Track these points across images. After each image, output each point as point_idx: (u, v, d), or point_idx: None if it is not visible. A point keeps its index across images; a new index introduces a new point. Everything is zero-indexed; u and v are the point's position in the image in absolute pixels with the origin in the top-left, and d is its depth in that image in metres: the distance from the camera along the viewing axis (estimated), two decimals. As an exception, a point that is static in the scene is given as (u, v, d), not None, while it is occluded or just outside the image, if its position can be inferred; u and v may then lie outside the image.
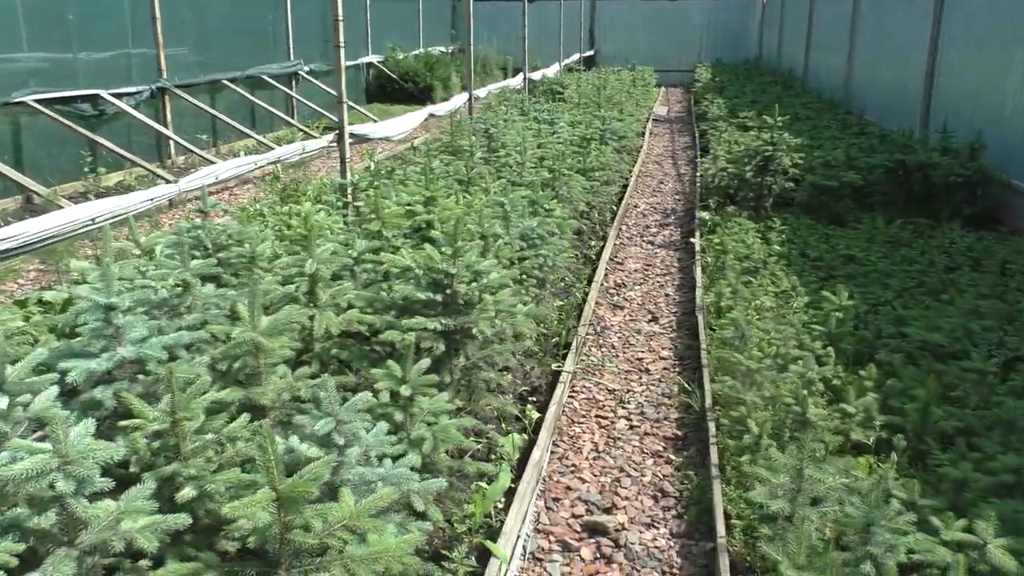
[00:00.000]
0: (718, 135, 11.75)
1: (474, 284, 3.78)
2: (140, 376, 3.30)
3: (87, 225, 4.29)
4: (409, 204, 5.56)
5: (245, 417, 2.97)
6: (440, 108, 10.86)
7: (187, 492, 2.61)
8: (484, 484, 3.55)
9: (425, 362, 3.27)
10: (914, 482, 3.28)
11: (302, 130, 13.73)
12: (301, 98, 15.08)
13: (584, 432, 4.62)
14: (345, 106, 7.69)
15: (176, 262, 3.88)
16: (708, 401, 4.56)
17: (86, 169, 9.81)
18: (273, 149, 10.44)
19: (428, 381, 3.24)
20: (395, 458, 2.98)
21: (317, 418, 2.74)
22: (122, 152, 9.71)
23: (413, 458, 3.00)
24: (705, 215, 8.53)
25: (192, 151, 10.94)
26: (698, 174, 11.22)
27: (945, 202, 8.01)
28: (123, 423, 2.88)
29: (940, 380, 4.28)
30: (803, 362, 4.65)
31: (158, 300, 3.62)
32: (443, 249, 3.72)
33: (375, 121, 15.21)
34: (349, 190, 7.41)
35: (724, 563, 3.17)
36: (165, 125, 11.53)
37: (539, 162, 8.22)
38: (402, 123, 9.17)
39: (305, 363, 3.69)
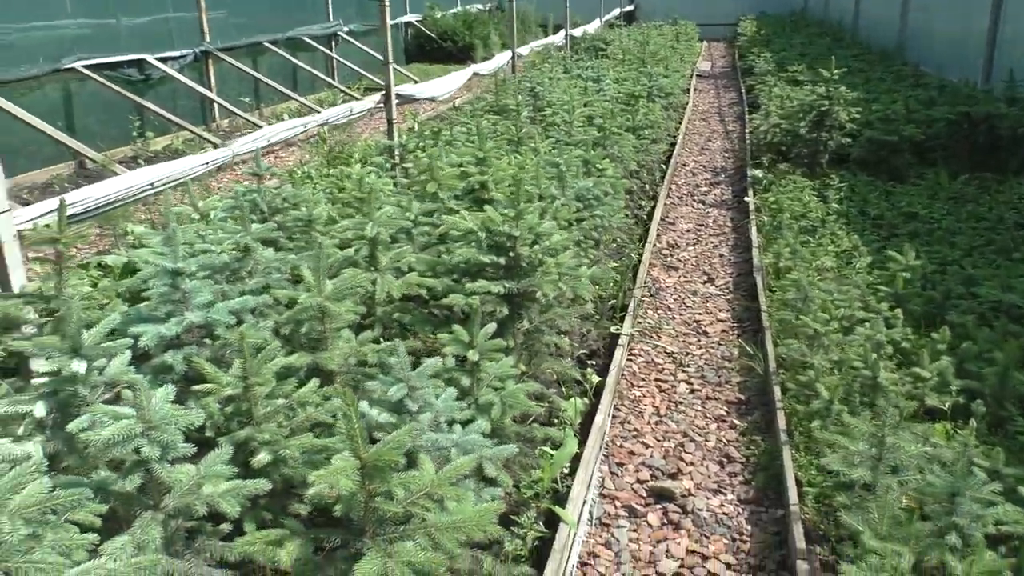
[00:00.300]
0: (767, 90, 11.41)
1: (536, 246, 3.71)
2: (206, 340, 3.31)
3: (146, 189, 4.29)
4: (460, 165, 5.48)
5: (314, 382, 2.96)
6: (484, 67, 10.68)
7: (262, 457, 2.61)
8: (548, 449, 3.51)
9: (491, 326, 3.22)
10: (998, 450, 3.17)
11: (343, 91, 13.65)
12: (341, 59, 14.98)
13: (645, 396, 4.55)
14: (392, 67, 7.60)
15: (236, 226, 3.87)
16: (772, 365, 4.46)
17: (134, 134, 9.89)
18: (319, 111, 10.38)
19: (495, 346, 3.19)
20: (464, 423, 2.95)
21: (389, 384, 2.71)
22: (169, 116, 9.75)
23: (483, 424, 2.97)
24: (758, 173, 8.32)
25: (237, 114, 10.95)
26: (747, 131, 10.93)
27: (1013, 155, 7.67)
28: (196, 388, 2.89)
29: (1018, 342, 4.12)
30: (870, 324, 4.52)
31: (219, 264, 3.61)
32: (505, 211, 3.65)
33: (415, 81, 15.06)
34: (396, 151, 7.36)
35: (798, 531, 3.11)
36: (209, 88, 11.54)
37: (587, 121, 8.06)
38: (447, 83, 9.04)
39: (367, 327, 3.67)
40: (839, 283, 5.26)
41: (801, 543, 3.04)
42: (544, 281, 3.63)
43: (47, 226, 3.62)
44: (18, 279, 3.53)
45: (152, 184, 4.31)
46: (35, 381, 2.77)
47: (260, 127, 10.66)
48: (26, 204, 4.03)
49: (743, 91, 14.77)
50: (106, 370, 2.81)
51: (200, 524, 2.40)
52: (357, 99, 13.22)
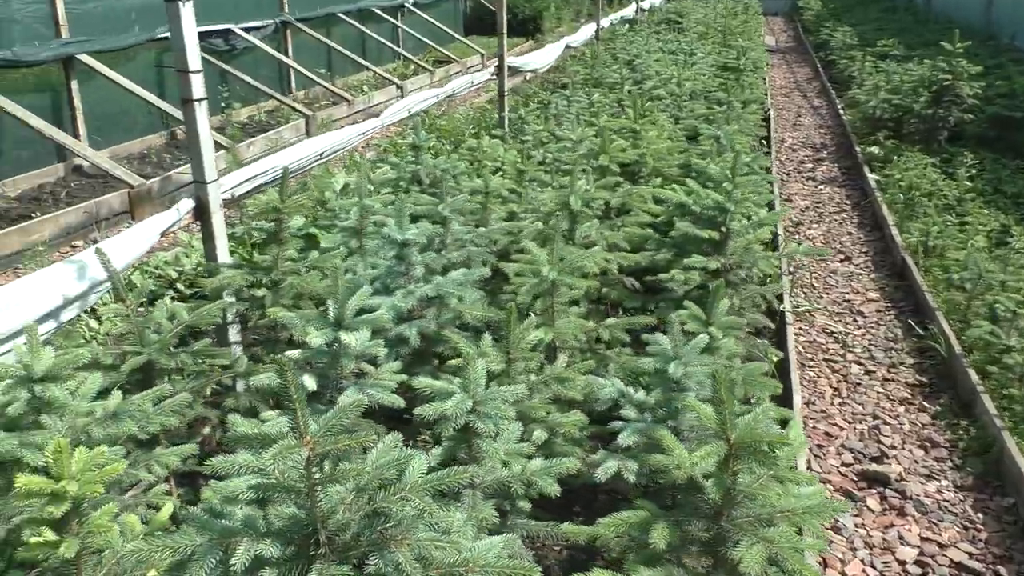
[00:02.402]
0: (860, 65, 11.10)
1: (746, 222, 3.58)
2: (426, 313, 3.23)
3: (315, 159, 4.21)
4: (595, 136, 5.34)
5: (563, 358, 2.87)
6: (575, 39, 10.52)
7: (539, 434, 2.53)
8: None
9: (725, 303, 3.10)
10: None
11: (415, 63, 13.57)
12: (408, 29, 14.83)
13: (819, 376, 4.43)
14: (504, 37, 7.46)
15: (432, 198, 3.78)
16: (957, 347, 4.31)
17: (222, 104, 9.82)
18: (442, 82, 10.27)
19: (732, 323, 3.07)
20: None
21: (664, 361, 2.60)
22: (259, 86, 9.69)
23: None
24: (874, 149, 8.08)
25: (318, 83, 10.90)
26: (840, 106, 10.66)
27: None
28: (452, 363, 2.82)
29: None
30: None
31: (431, 236, 3.52)
32: (724, 185, 3.52)
33: (482, 54, 14.93)
34: (506, 123, 7.25)
35: (1052, 520, 2.99)
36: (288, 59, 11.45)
37: (690, 96, 7.88)
38: (546, 55, 8.92)
39: (574, 302, 3.57)
40: (1003, 263, 5.08)
41: (1060, 534, 2.92)
42: (759, 257, 3.51)
43: (258, 194, 3.57)
44: (222, 247, 3.47)
45: (321, 154, 4.23)
46: (290, 354, 2.70)
47: (345, 98, 10.60)
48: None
49: (818, 66, 14.43)
50: (353, 343, 2.74)
51: (499, 502, 2.33)
52: (430, 70, 13.14)
